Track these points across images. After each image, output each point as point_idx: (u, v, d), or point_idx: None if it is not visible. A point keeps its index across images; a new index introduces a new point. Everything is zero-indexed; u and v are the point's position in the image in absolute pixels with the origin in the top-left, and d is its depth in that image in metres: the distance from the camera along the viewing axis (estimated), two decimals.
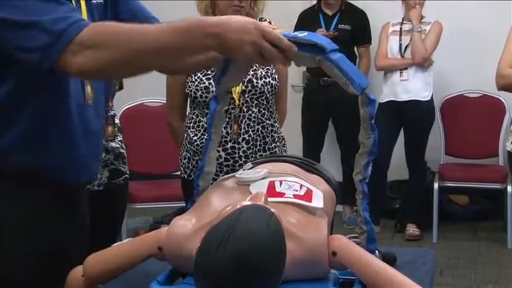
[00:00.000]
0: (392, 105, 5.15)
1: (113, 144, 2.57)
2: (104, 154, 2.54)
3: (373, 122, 1.61)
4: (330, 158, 5.28)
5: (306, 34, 1.64)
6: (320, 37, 1.66)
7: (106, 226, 2.61)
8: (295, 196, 1.59)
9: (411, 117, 5.13)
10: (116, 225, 2.84)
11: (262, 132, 2.72)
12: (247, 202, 1.41)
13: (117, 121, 2.68)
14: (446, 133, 5.50)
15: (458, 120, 5.46)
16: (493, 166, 5.38)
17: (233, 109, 2.67)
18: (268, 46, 1.52)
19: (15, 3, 1.49)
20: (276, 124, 2.81)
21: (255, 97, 2.70)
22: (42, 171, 1.65)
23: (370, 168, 1.64)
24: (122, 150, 2.64)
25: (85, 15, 1.69)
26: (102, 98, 1.84)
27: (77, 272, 1.65)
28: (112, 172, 2.59)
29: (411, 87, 5.11)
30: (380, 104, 5.22)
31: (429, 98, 5.15)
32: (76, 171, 1.75)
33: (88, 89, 1.73)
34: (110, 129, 2.55)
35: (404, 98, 5.11)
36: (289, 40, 1.56)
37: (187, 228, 1.55)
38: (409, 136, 5.23)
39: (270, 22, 2.83)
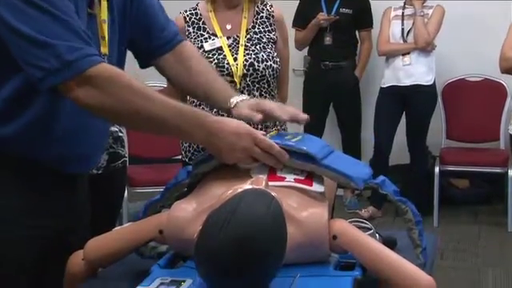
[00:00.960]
0: (394, 89, 5.15)
1: (112, 128, 2.57)
2: None
3: (397, 198, 1.63)
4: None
5: (300, 137, 1.68)
6: (313, 142, 1.68)
7: (106, 209, 2.62)
8: (296, 180, 1.59)
9: (413, 101, 5.12)
10: (115, 208, 2.85)
11: None
12: (248, 186, 1.41)
13: None
14: (447, 117, 5.49)
15: (460, 104, 5.46)
16: (494, 149, 5.38)
17: None
18: (259, 152, 1.58)
19: (32, 15, 1.46)
20: None
21: (256, 80, 2.69)
22: (42, 161, 1.65)
23: (424, 237, 1.64)
24: (120, 134, 2.65)
25: (105, 9, 1.68)
26: None
27: (77, 256, 1.65)
28: (111, 155, 2.60)
29: (414, 72, 5.09)
30: (382, 89, 5.22)
31: (431, 83, 5.14)
32: (78, 163, 1.75)
33: None
34: None
35: (406, 82, 5.10)
36: (281, 147, 1.59)
37: (188, 212, 1.55)
38: (411, 120, 5.23)
39: (271, 6, 2.82)
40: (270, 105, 1.73)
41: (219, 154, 1.60)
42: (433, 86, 5.17)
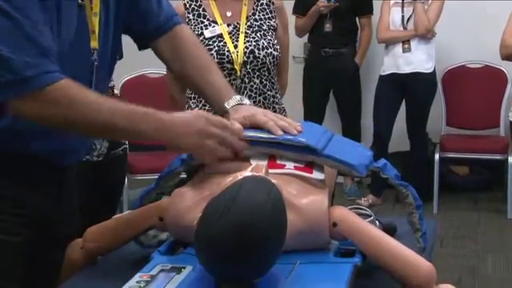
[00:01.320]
0: (394, 77, 5.14)
1: None
2: None
3: (398, 182, 1.65)
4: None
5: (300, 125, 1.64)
6: (311, 129, 1.65)
7: (106, 196, 2.62)
8: (296, 167, 1.59)
9: (413, 89, 5.11)
10: (116, 195, 2.85)
11: (263, 103, 2.71)
12: (248, 173, 1.41)
13: (116, 91, 2.68)
14: (447, 104, 5.49)
15: (460, 91, 5.45)
16: (494, 136, 5.39)
17: (234, 80, 2.66)
18: (216, 130, 1.54)
19: None
20: (277, 95, 2.81)
21: (257, 68, 2.68)
22: (29, 155, 1.63)
23: (424, 222, 1.64)
24: None
25: (97, 2, 1.64)
26: (106, 86, 1.84)
27: (76, 244, 1.66)
28: (112, 142, 2.60)
29: (414, 59, 5.08)
30: (381, 76, 5.21)
31: (431, 70, 5.13)
32: (68, 155, 1.73)
33: (94, 81, 1.68)
34: None
35: (406, 70, 5.10)
36: (281, 142, 1.56)
37: (188, 198, 1.55)
38: (411, 108, 5.22)
39: None
40: (266, 119, 1.64)
41: (176, 147, 1.58)
42: (433, 74, 5.16)
